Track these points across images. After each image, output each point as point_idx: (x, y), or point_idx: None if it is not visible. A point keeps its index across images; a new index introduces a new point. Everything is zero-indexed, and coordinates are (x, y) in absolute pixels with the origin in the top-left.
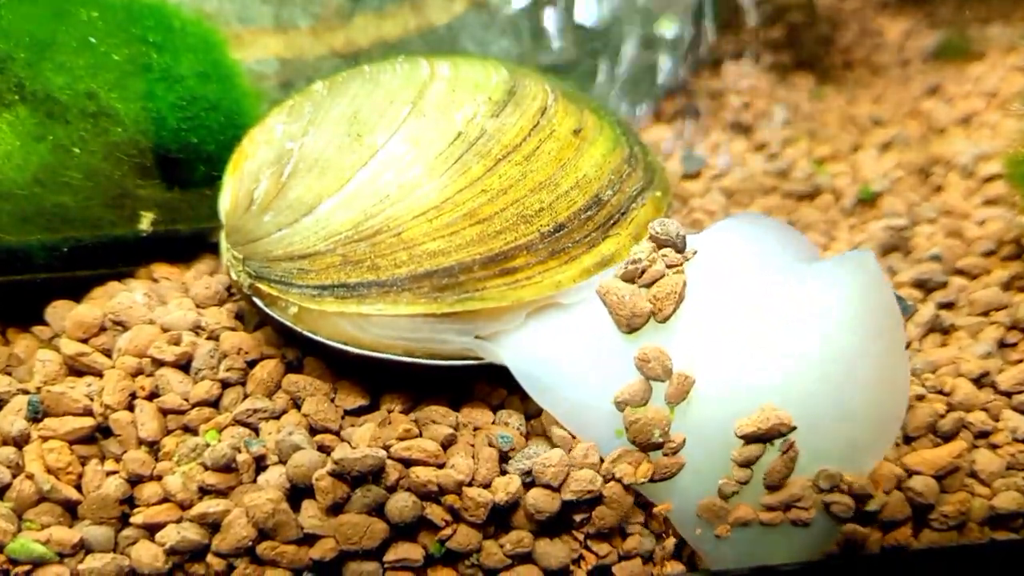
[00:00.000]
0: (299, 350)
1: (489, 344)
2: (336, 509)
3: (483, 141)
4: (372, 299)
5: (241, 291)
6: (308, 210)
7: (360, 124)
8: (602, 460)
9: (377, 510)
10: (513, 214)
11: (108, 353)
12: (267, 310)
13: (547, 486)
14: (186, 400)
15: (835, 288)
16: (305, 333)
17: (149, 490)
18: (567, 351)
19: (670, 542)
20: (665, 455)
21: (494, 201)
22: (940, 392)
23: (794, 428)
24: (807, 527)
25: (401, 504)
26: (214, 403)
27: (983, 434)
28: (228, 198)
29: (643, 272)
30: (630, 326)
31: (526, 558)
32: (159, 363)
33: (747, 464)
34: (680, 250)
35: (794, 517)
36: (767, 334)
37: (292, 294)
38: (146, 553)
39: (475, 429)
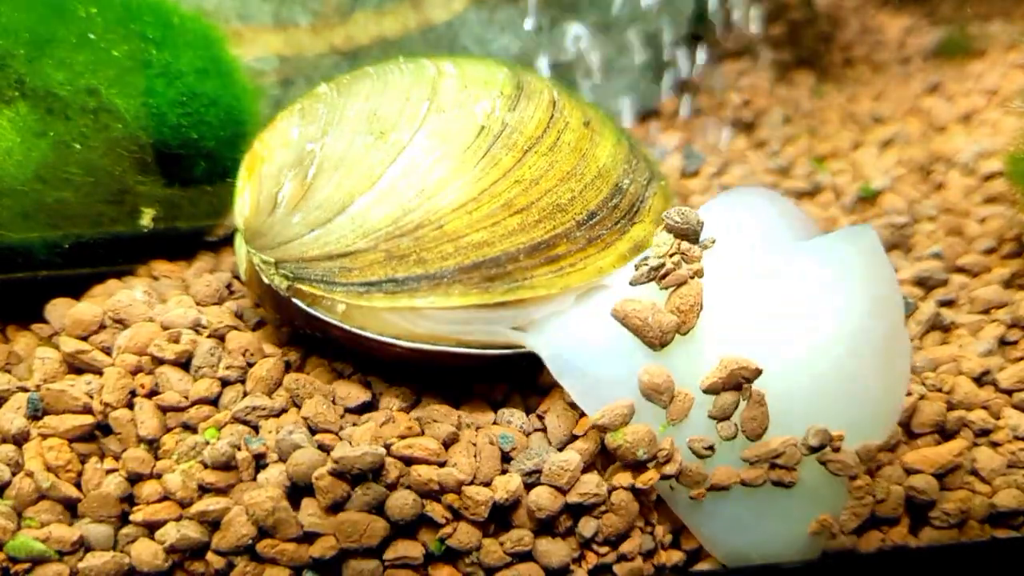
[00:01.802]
0: (303, 349)
1: (525, 334)
2: (336, 507)
3: (507, 134)
4: (424, 292)
5: (278, 293)
6: (341, 209)
7: (381, 122)
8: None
9: (377, 508)
10: (548, 203)
11: (108, 351)
12: (310, 310)
13: (557, 488)
14: (185, 398)
15: (836, 267)
16: (354, 330)
17: (149, 488)
18: (603, 333)
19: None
20: (659, 464)
21: (528, 191)
22: (940, 390)
23: (759, 371)
24: (791, 488)
25: (401, 502)
26: (214, 401)
27: (984, 432)
28: (248, 203)
29: (665, 275)
30: (663, 343)
31: (526, 556)
32: (159, 361)
33: (724, 416)
34: (697, 240)
35: (777, 477)
36: (772, 320)
37: (338, 292)
38: (146, 551)
39: (477, 428)
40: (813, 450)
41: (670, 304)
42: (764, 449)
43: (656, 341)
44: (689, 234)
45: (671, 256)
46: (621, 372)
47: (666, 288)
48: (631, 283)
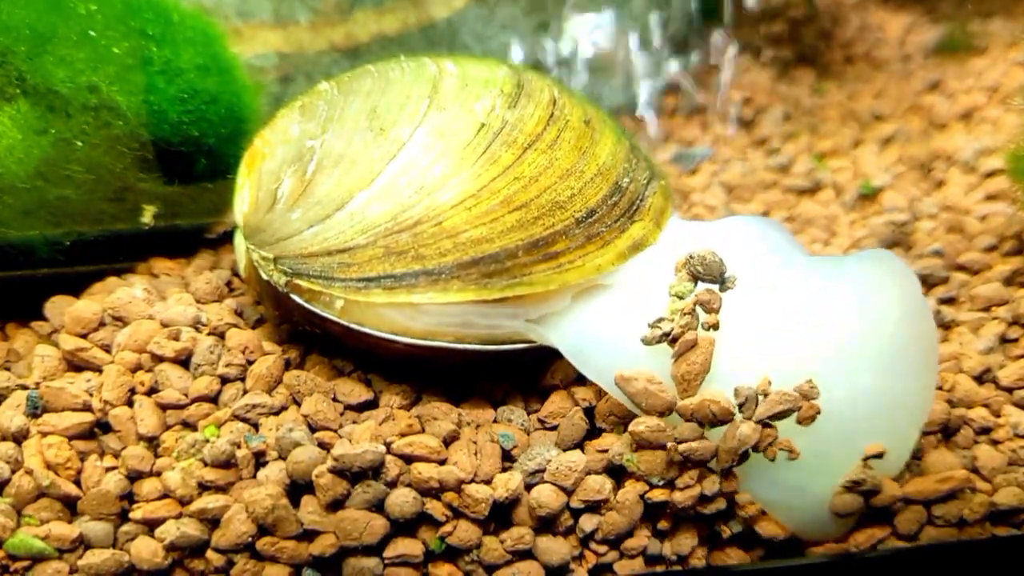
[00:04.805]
0: (303, 347)
1: (539, 327)
2: (336, 505)
3: (507, 131)
4: (422, 288)
5: (277, 289)
6: (340, 205)
7: (381, 119)
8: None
9: (377, 506)
10: (547, 200)
11: (107, 348)
12: (308, 306)
13: (562, 488)
14: (185, 395)
15: (864, 282)
16: (352, 326)
17: (148, 486)
18: (613, 328)
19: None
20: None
21: (527, 188)
22: (941, 388)
23: (731, 413)
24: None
25: (401, 500)
26: (213, 399)
27: (984, 430)
28: (247, 199)
29: (674, 340)
30: (663, 415)
31: (527, 554)
32: (158, 359)
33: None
34: (722, 282)
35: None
36: (800, 335)
37: (336, 288)
38: (145, 549)
39: (477, 426)
40: (740, 407)
41: (676, 370)
42: (727, 453)
43: (656, 413)
44: (713, 280)
45: (685, 315)
46: (642, 367)
47: (676, 355)
48: (642, 341)
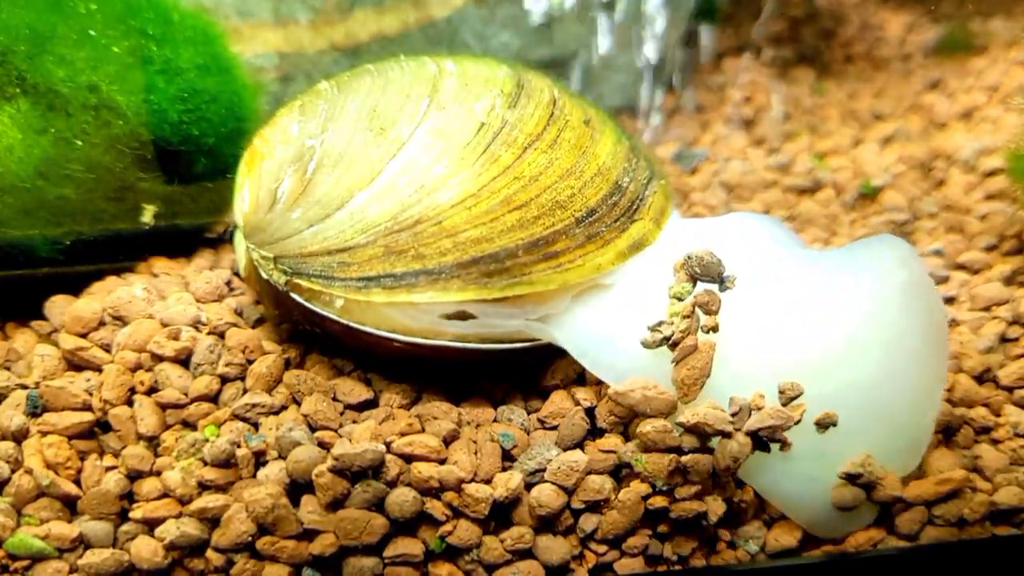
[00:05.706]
0: (302, 346)
1: (543, 325)
2: (336, 504)
3: (507, 131)
4: (422, 288)
5: (277, 289)
6: (340, 204)
7: (381, 118)
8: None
9: (377, 505)
10: (548, 200)
11: (107, 348)
12: (308, 305)
13: (563, 488)
14: (185, 395)
15: (874, 271)
16: (352, 325)
17: (148, 485)
18: (616, 326)
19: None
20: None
21: (527, 188)
22: None
23: (727, 433)
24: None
25: (401, 499)
26: (213, 398)
27: (984, 430)
28: (247, 199)
29: (674, 345)
30: (666, 416)
31: (527, 554)
32: (158, 358)
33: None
34: (722, 281)
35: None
36: (804, 325)
37: (336, 287)
38: (145, 548)
39: (477, 426)
40: (734, 415)
41: (677, 374)
42: (723, 472)
43: (661, 415)
44: (709, 280)
45: (684, 318)
46: (649, 367)
47: (676, 360)
48: (642, 345)
